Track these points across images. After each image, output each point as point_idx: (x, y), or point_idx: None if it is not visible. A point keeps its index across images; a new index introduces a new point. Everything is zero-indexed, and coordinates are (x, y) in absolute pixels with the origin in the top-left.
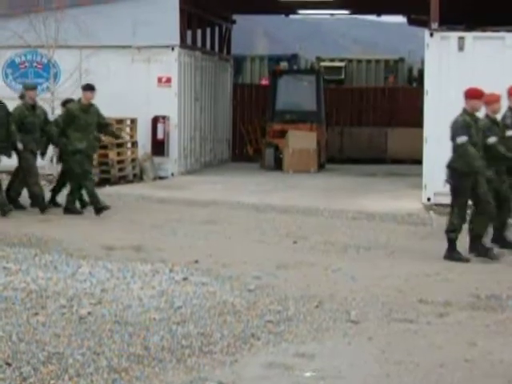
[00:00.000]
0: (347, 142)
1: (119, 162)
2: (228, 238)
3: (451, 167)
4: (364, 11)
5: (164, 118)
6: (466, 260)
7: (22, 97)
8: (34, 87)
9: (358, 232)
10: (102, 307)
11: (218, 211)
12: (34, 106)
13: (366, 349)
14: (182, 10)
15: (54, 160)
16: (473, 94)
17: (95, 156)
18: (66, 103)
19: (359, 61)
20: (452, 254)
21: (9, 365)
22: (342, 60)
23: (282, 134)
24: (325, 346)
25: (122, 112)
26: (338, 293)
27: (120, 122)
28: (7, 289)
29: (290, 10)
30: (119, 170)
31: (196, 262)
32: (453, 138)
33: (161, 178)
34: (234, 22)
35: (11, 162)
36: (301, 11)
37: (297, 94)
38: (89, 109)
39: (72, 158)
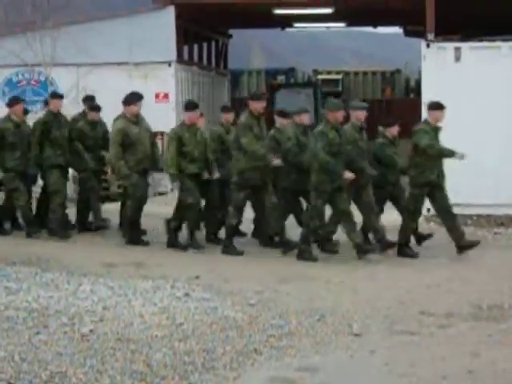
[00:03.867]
0: None
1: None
2: (228, 253)
3: None
4: (360, 23)
5: (162, 133)
6: None
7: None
8: (306, 110)
9: None
10: (103, 325)
11: None
12: (305, 128)
13: (368, 362)
14: (178, 26)
15: None
16: None
17: None
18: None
19: (356, 73)
20: None
21: None
22: (338, 72)
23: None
24: (327, 360)
25: None
26: (339, 306)
27: None
28: (9, 308)
29: (285, 23)
30: (118, 187)
31: (197, 277)
32: None
33: (160, 193)
34: (230, 36)
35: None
36: (297, 24)
37: (294, 107)
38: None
39: None
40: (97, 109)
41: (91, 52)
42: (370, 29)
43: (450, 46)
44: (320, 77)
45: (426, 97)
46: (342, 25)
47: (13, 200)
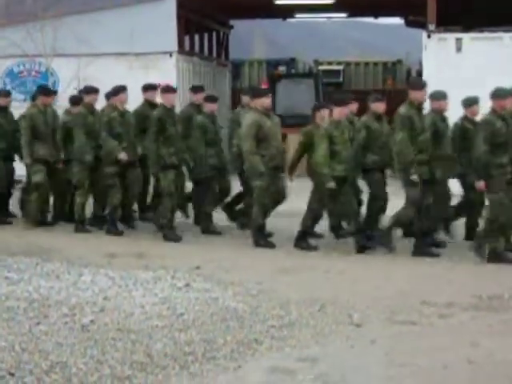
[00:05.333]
0: None
1: None
2: (229, 244)
3: None
4: (361, 14)
5: None
6: None
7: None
8: (445, 96)
9: None
10: (104, 315)
11: (218, 217)
12: (443, 115)
13: (369, 352)
14: (179, 16)
15: None
16: None
17: None
18: None
19: (357, 63)
20: None
21: (12, 375)
22: (339, 63)
23: (282, 138)
24: (328, 350)
25: None
26: (340, 296)
27: None
28: (9, 298)
29: (287, 13)
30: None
31: (198, 268)
32: None
33: None
34: (231, 27)
35: None
36: (298, 15)
37: (296, 97)
38: None
39: None
40: (214, 99)
41: (92, 42)
42: (371, 19)
43: (451, 37)
44: (321, 67)
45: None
46: (343, 15)
47: (107, 196)
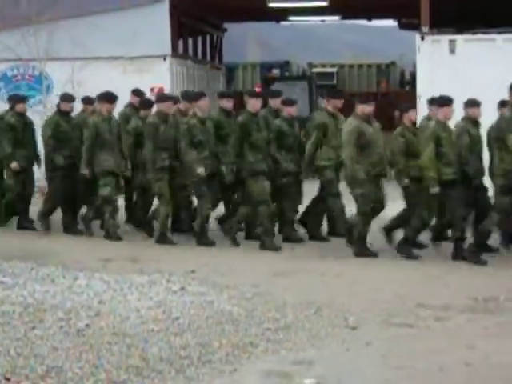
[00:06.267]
0: None
1: None
2: (224, 247)
3: None
4: (355, 16)
5: None
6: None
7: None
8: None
9: None
10: (99, 319)
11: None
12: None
13: (364, 354)
14: (172, 20)
15: None
16: None
17: None
18: None
19: (351, 66)
20: None
21: (8, 380)
22: (333, 65)
23: None
24: (324, 353)
25: None
26: (336, 299)
27: None
28: (4, 303)
29: (280, 16)
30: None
31: (193, 271)
32: None
33: None
34: (225, 30)
35: None
36: (292, 17)
37: None
38: None
39: None
40: (292, 103)
41: (86, 46)
42: (364, 22)
43: (444, 39)
44: (315, 70)
45: (421, 89)
46: (336, 18)
47: (197, 208)
